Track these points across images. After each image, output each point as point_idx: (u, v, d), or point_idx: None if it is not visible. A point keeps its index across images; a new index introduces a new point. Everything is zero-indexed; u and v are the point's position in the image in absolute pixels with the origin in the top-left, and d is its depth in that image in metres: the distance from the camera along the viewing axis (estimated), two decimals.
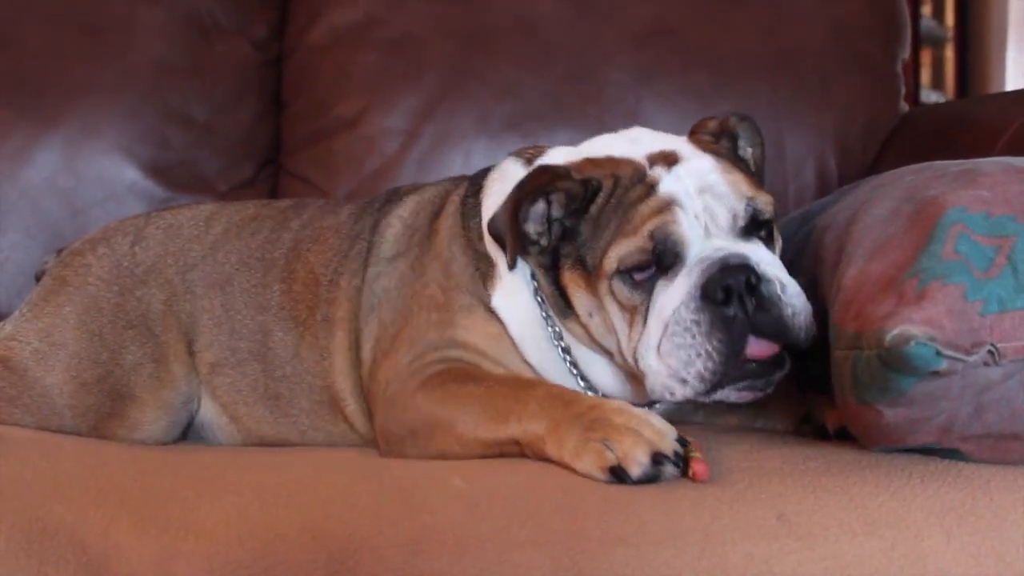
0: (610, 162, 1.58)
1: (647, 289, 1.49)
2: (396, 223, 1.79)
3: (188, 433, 1.84)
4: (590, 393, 1.62)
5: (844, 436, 1.48)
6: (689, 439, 1.39)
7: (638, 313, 1.50)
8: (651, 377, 1.49)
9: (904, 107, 2.70)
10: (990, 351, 1.21)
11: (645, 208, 1.51)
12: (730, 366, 1.43)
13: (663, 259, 1.48)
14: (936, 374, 1.21)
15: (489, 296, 1.63)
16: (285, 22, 2.66)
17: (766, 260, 1.48)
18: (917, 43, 5.96)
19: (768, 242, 1.55)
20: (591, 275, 1.53)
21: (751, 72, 2.57)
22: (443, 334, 1.62)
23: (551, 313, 1.61)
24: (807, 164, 2.57)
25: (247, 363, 1.79)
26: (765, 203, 1.54)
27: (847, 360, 1.32)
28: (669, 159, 1.56)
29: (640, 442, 1.30)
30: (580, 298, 1.56)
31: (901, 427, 1.30)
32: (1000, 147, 2.07)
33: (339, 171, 2.54)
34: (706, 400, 1.49)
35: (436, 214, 1.75)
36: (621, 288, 1.51)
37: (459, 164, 2.45)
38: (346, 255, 1.79)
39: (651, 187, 1.52)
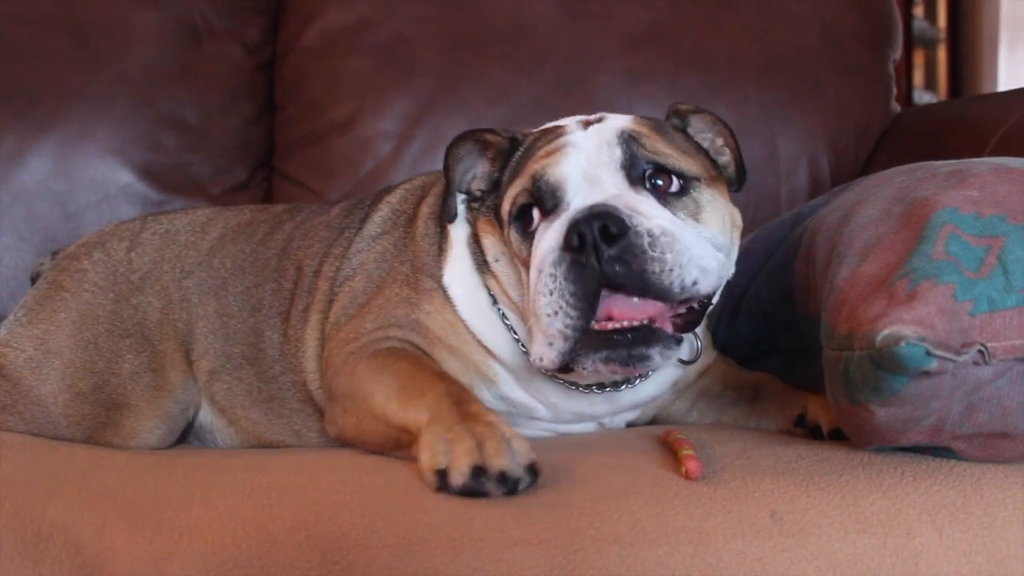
0: (553, 127, 1.62)
1: (532, 239, 1.48)
2: (384, 208, 1.80)
3: (187, 435, 1.84)
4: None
5: (839, 437, 1.48)
6: (681, 436, 1.40)
7: (528, 266, 1.48)
8: (532, 340, 1.45)
9: (896, 108, 2.72)
10: (980, 351, 1.21)
11: (540, 152, 1.53)
12: (586, 324, 1.37)
13: (543, 200, 1.48)
14: (927, 374, 1.21)
15: (441, 273, 1.63)
16: (277, 26, 2.67)
17: (648, 213, 1.42)
18: (910, 44, 5.99)
19: (676, 200, 1.49)
20: (501, 224, 1.56)
21: (742, 75, 2.58)
22: (409, 313, 1.62)
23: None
24: (799, 166, 2.58)
25: (242, 368, 1.79)
26: (657, 148, 1.51)
27: (839, 361, 1.32)
28: (594, 120, 1.58)
29: (471, 453, 1.25)
30: (488, 243, 1.58)
31: (893, 426, 1.30)
32: (991, 147, 2.08)
33: (333, 174, 2.54)
34: (576, 374, 1.44)
35: (423, 197, 1.77)
36: (515, 238, 1.51)
37: None
38: (332, 244, 1.80)
39: (557, 137, 1.55)
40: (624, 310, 1.38)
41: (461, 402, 1.38)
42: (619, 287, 1.37)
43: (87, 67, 2.47)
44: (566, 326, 1.38)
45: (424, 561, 1.17)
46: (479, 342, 1.62)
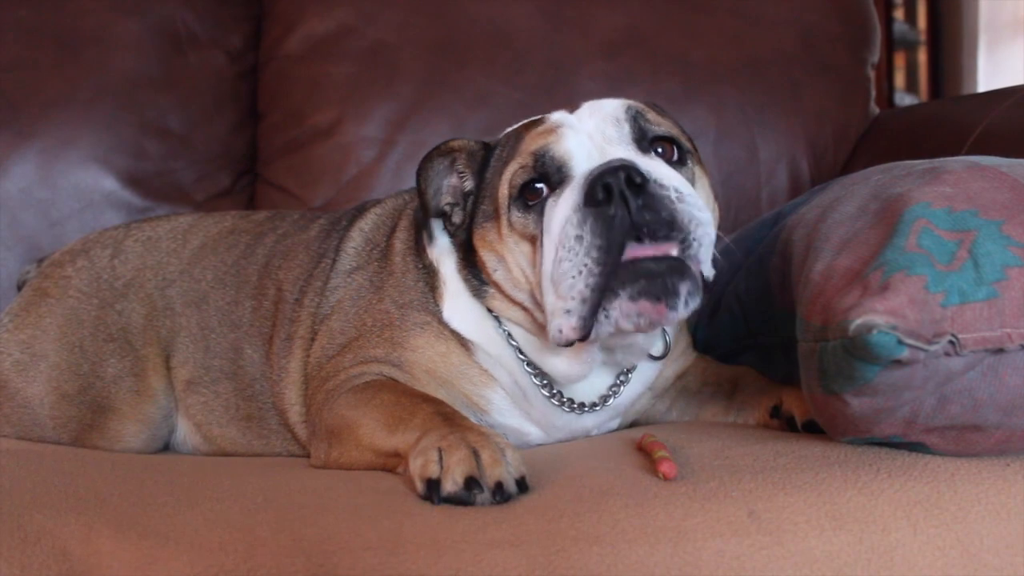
0: (533, 120, 1.61)
1: (539, 211, 1.47)
2: (357, 236, 1.79)
3: (167, 449, 1.84)
4: (535, 381, 1.60)
5: (813, 429, 1.50)
6: (655, 439, 1.41)
7: (537, 242, 1.47)
8: (549, 317, 1.43)
9: (875, 110, 2.74)
10: (951, 341, 1.22)
11: (532, 134, 1.52)
12: (613, 273, 1.35)
13: (549, 175, 1.47)
14: (899, 363, 1.23)
15: (440, 309, 1.62)
16: (260, 33, 2.68)
17: (662, 171, 1.42)
18: (891, 47, 6.02)
19: (679, 167, 1.51)
20: (494, 220, 1.53)
21: (722, 79, 2.60)
22: (390, 352, 1.60)
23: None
24: (779, 168, 2.60)
25: (219, 382, 1.79)
26: (659, 120, 1.54)
27: (814, 352, 1.33)
28: (576, 105, 1.58)
29: (466, 462, 1.25)
30: (487, 255, 1.55)
31: (867, 417, 1.31)
32: (967, 148, 2.10)
33: (316, 180, 2.55)
34: (606, 332, 1.40)
35: (393, 228, 1.75)
36: (517, 216, 1.49)
37: None
38: (311, 273, 1.79)
39: (542, 121, 1.54)
40: (649, 247, 1.36)
41: (451, 418, 1.38)
42: (648, 237, 1.35)
43: (70, 75, 2.47)
44: (587, 286, 1.36)
45: (408, 563, 1.17)
46: (481, 368, 1.62)
